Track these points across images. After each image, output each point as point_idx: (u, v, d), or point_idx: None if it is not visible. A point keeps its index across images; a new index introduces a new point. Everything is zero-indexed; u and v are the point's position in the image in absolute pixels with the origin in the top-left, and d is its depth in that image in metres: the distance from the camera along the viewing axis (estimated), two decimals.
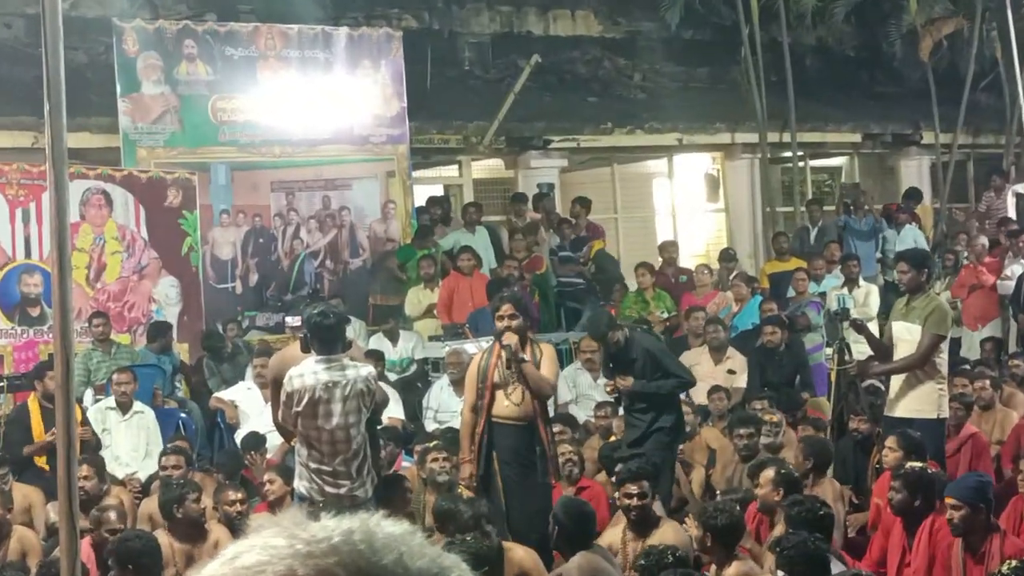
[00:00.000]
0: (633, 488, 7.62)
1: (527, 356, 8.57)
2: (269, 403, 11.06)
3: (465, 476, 8.59)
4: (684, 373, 9.80)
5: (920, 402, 9.34)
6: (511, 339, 8.53)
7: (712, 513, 6.99)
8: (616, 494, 7.95)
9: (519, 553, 7.29)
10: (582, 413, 11.69)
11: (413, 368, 13.30)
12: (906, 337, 9.41)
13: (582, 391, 12.34)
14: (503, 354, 8.48)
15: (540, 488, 8.70)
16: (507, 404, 8.52)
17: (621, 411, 10.13)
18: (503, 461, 8.50)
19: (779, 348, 12.64)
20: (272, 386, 9.65)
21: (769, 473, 8.11)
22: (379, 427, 8.70)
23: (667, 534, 7.43)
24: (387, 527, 1.46)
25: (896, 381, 9.51)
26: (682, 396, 10.15)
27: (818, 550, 6.28)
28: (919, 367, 9.28)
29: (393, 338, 13.42)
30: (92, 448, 9.87)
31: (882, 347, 9.66)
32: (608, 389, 9.86)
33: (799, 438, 9.83)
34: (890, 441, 8.78)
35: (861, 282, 14.12)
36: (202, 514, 8.09)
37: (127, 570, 6.93)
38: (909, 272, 9.54)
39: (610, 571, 6.76)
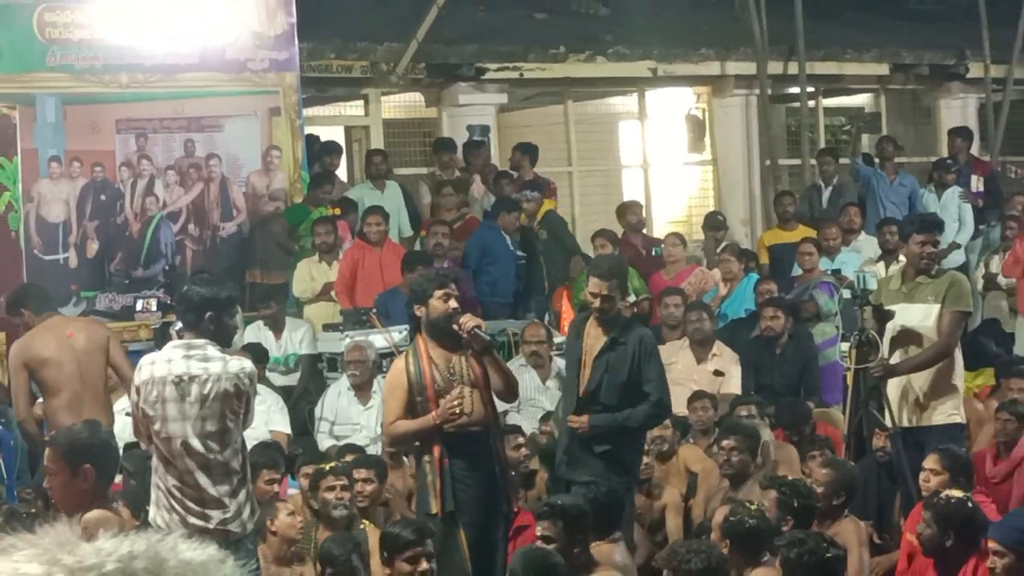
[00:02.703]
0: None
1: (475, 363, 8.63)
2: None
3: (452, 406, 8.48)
4: (665, 394, 9.63)
5: (945, 405, 9.45)
6: (473, 320, 8.56)
7: (685, 556, 7.03)
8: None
9: None
10: (526, 423, 11.69)
11: (299, 368, 13.27)
12: (915, 324, 9.51)
13: (526, 395, 12.31)
14: (472, 345, 8.52)
15: (503, 518, 8.78)
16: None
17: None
18: (460, 485, 8.51)
19: (780, 339, 12.70)
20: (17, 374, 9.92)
21: (772, 494, 8.21)
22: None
23: None
24: (184, 551, 1.44)
25: (907, 382, 9.58)
26: None
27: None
28: (948, 355, 9.39)
29: (277, 328, 13.38)
30: None
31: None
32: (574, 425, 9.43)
33: (823, 461, 9.87)
34: (930, 461, 8.85)
35: (902, 256, 14.11)
36: None
37: None
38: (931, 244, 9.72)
39: None
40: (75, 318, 11.30)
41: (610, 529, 8.34)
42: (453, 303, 8.58)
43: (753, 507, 7.84)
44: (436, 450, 8.50)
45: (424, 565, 7.46)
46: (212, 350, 7.85)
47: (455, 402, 8.43)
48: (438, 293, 8.58)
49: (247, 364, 8.15)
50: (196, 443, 7.75)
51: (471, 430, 8.59)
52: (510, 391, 8.89)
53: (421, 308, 8.63)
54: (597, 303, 9.17)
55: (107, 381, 10.64)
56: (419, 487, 8.75)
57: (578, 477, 9.06)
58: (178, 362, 7.75)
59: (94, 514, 6.00)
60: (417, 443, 8.69)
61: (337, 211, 14.90)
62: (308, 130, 15.77)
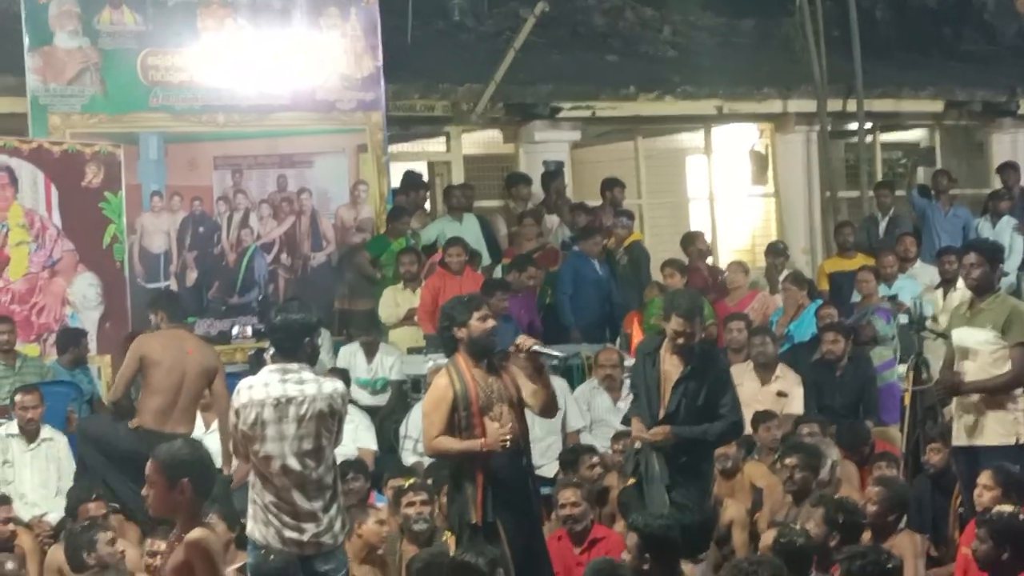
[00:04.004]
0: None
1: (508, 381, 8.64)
2: (209, 428, 11.19)
3: (500, 436, 8.38)
4: (740, 417, 9.62)
5: (998, 425, 9.37)
6: (530, 340, 8.59)
7: (748, 569, 7.00)
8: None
9: None
10: (598, 443, 11.70)
11: (388, 391, 13.30)
12: (975, 347, 9.44)
13: (598, 415, 12.36)
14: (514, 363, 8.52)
15: (539, 532, 8.78)
16: (496, 427, 8.53)
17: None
18: (500, 499, 8.49)
19: (840, 362, 12.65)
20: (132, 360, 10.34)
21: (819, 511, 8.20)
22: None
23: None
24: None
25: (966, 403, 9.52)
26: None
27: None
28: (1020, 385, 9.31)
29: (371, 352, 13.44)
30: None
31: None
32: (637, 434, 9.36)
33: (875, 479, 9.83)
34: (984, 477, 8.79)
35: (959, 284, 13.97)
36: (121, 558, 8.12)
37: None
38: (981, 266, 9.57)
39: None
40: (199, 338, 11.41)
41: (699, 550, 8.31)
42: (491, 322, 8.59)
43: (798, 527, 7.84)
44: (478, 465, 8.43)
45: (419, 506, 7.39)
46: (307, 373, 7.94)
47: (506, 435, 8.36)
48: (476, 315, 8.53)
49: (339, 385, 8.21)
50: (293, 462, 7.81)
51: (510, 447, 8.50)
52: (552, 408, 8.85)
53: (462, 330, 8.53)
54: (681, 340, 9.17)
55: (200, 400, 10.75)
56: (452, 500, 8.61)
57: (658, 494, 9.02)
58: (275, 385, 7.83)
59: (196, 533, 6.04)
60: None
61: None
62: (394, 166, 15.83)
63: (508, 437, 8.34)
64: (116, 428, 10.70)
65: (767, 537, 8.02)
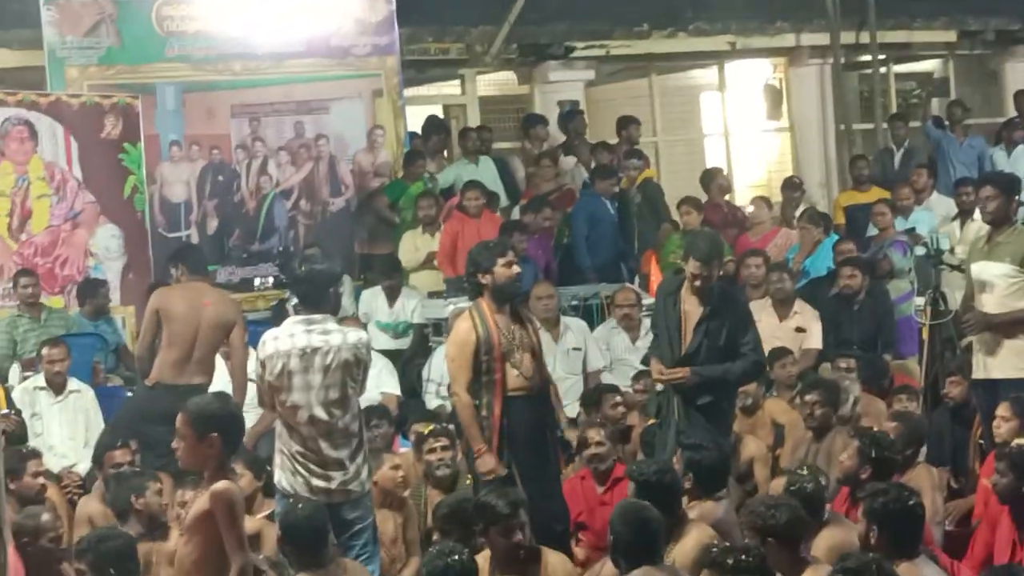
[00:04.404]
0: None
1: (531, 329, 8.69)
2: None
3: (490, 468, 8.39)
4: (761, 355, 9.58)
5: (1017, 359, 9.35)
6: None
7: (767, 512, 7.00)
8: None
9: (552, 559, 7.32)
10: (618, 382, 11.68)
11: (410, 334, 13.30)
12: (992, 280, 9.40)
13: (617, 355, 12.33)
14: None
15: (556, 476, 8.80)
16: (517, 375, 8.52)
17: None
18: (517, 443, 8.50)
19: (858, 296, 12.61)
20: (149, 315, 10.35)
21: (855, 444, 8.19)
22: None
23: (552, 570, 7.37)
24: None
25: (986, 336, 9.50)
26: None
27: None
28: None
29: (392, 296, 13.43)
30: (15, 439, 9.93)
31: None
32: (658, 375, 9.31)
33: (891, 414, 9.81)
34: (1003, 408, 8.80)
35: (976, 215, 13.89)
36: (164, 509, 8.17)
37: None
38: (997, 198, 9.53)
39: None
40: (219, 291, 11.32)
41: (716, 488, 8.30)
42: (516, 268, 8.58)
43: (806, 472, 7.81)
44: (497, 409, 8.46)
45: (518, 536, 7.37)
46: (331, 323, 7.99)
47: (493, 472, 8.36)
48: (501, 261, 8.53)
49: (363, 335, 8.26)
50: (320, 411, 7.85)
51: (528, 394, 8.57)
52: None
53: (486, 276, 8.53)
54: (699, 283, 9.12)
55: (217, 351, 10.76)
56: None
57: (670, 440, 9.01)
58: (300, 336, 7.87)
59: (221, 484, 6.08)
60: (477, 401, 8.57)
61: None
62: (409, 110, 15.78)
63: (490, 479, 8.33)
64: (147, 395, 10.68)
65: (776, 485, 8.00)
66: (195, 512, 6.16)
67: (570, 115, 16.59)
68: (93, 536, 7.47)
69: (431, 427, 9.48)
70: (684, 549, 7.33)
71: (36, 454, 9.14)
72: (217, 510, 6.02)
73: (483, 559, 7.26)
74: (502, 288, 8.55)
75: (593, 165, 15.52)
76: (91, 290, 12.52)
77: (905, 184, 15.13)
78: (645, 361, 10.33)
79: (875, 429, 8.79)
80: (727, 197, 16.11)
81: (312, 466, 7.89)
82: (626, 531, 6.95)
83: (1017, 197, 9.86)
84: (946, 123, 17.50)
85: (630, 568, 6.89)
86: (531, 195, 15.10)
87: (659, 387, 9.24)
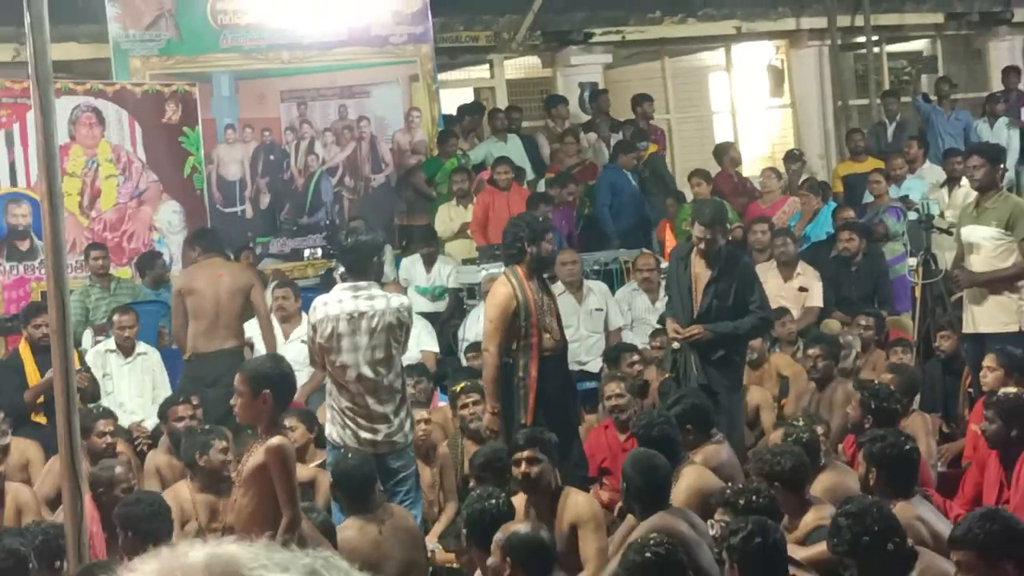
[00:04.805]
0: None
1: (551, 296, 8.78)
2: (290, 339, 11.25)
3: (495, 428, 8.45)
4: (768, 312, 9.57)
5: (1001, 314, 9.34)
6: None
7: (773, 459, 7.00)
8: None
9: (579, 498, 7.33)
10: (638, 340, 11.68)
11: (446, 298, 13.30)
12: (980, 242, 9.38)
13: (638, 315, 12.32)
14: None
15: (576, 428, 8.84)
16: (548, 337, 8.54)
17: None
18: (546, 400, 8.49)
19: (856, 258, 12.59)
20: (175, 297, 10.63)
21: (857, 395, 8.19)
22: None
23: (576, 507, 7.27)
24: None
25: (972, 294, 9.51)
26: None
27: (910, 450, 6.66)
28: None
29: (430, 262, 13.42)
30: (89, 397, 9.98)
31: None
32: (674, 334, 9.25)
33: (888, 366, 9.80)
34: (988, 359, 8.80)
35: (963, 182, 13.84)
36: (227, 465, 8.20)
37: (131, 535, 6.98)
38: (983, 166, 9.52)
39: (690, 535, 6.58)
40: (231, 263, 11.53)
41: (705, 431, 8.28)
42: (553, 247, 8.78)
43: (800, 423, 7.79)
44: (533, 371, 8.43)
45: (524, 468, 7.28)
46: (376, 289, 8.01)
47: (495, 434, 8.41)
48: (548, 236, 8.61)
49: (405, 299, 8.31)
50: (367, 370, 7.88)
51: (555, 355, 8.59)
52: None
53: (533, 246, 8.51)
54: (703, 245, 9.11)
55: (242, 316, 10.92)
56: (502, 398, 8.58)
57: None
58: (348, 301, 7.90)
59: (276, 440, 6.10)
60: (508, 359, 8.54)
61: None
62: (442, 93, 15.77)
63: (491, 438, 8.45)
64: (188, 367, 10.84)
65: (775, 436, 7.98)
66: (251, 465, 6.17)
67: (594, 95, 16.56)
68: (127, 499, 7.42)
69: (463, 384, 9.49)
70: (677, 490, 7.33)
71: (107, 414, 9.17)
72: (271, 464, 6.03)
73: (519, 500, 7.26)
74: (543, 260, 8.62)
75: (614, 141, 15.51)
76: (149, 262, 12.57)
77: (898, 155, 15.11)
78: (661, 321, 10.31)
79: (885, 384, 8.76)
80: (737, 169, 16.06)
81: (360, 420, 7.92)
82: (637, 477, 6.94)
83: (1001, 164, 9.83)
84: (933, 98, 17.45)
85: (644, 512, 6.88)
86: (556, 170, 15.08)
87: (675, 344, 9.20)
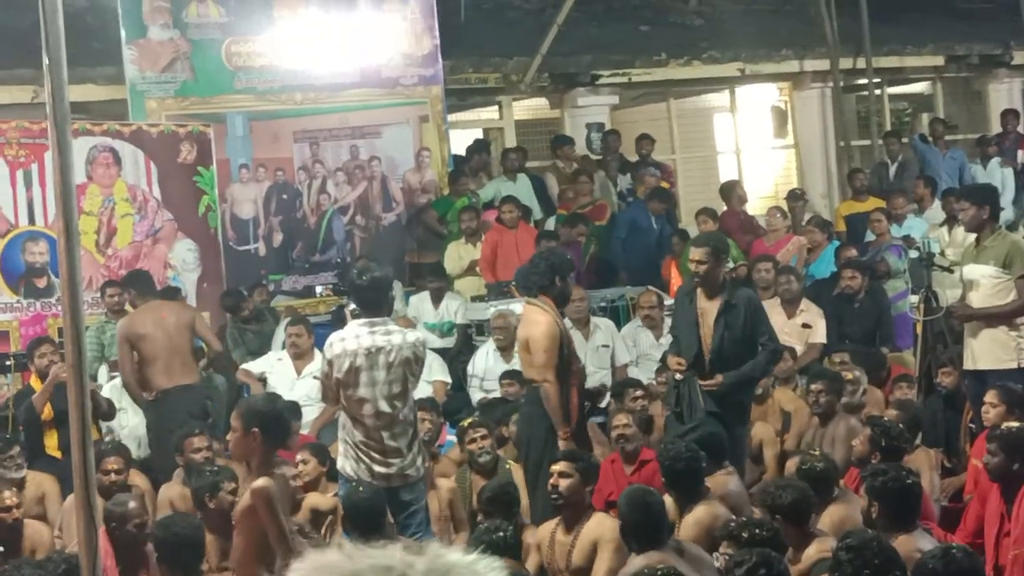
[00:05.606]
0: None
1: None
2: (302, 375, 11.26)
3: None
4: (777, 343, 9.53)
5: (1000, 351, 9.35)
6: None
7: (775, 492, 6.98)
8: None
9: (605, 520, 7.43)
10: (643, 376, 11.68)
11: (454, 334, 13.30)
12: (980, 280, 9.41)
13: (643, 351, 12.33)
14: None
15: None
16: (580, 365, 8.94)
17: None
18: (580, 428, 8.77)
19: (859, 295, 12.58)
20: (121, 345, 10.54)
21: (867, 431, 8.18)
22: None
23: (600, 526, 7.42)
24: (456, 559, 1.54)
25: (972, 330, 9.52)
26: None
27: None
28: (1020, 315, 9.29)
29: (437, 299, 13.43)
30: (104, 414, 10.07)
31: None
32: (676, 365, 9.22)
33: (893, 402, 9.78)
34: (990, 396, 8.79)
35: None
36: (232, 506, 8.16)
37: (169, 559, 7.00)
38: (970, 209, 9.57)
39: (686, 572, 6.53)
40: (169, 302, 11.47)
41: (718, 462, 8.28)
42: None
43: (817, 453, 7.81)
44: (575, 398, 8.69)
45: (553, 480, 7.58)
46: (391, 324, 8.03)
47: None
48: (572, 274, 8.76)
49: (419, 334, 8.36)
50: (384, 404, 7.89)
51: (582, 381, 9.01)
52: None
53: (563, 281, 8.76)
54: (695, 267, 9.13)
55: (192, 350, 10.95)
56: (534, 418, 8.78)
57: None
58: (365, 337, 7.91)
59: (260, 481, 6.06)
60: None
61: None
62: (452, 133, 15.81)
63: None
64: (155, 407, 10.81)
65: (791, 464, 7.99)
66: (240, 507, 6.16)
67: (606, 135, 16.64)
68: (164, 520, 7.45)
69: (471, 420, 9.53)
70: (686, 524, 7.34)
71: (117, 450, 9.17)
72: (257, 505, 6.00)
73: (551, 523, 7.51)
74: (567, 296, 8.94)
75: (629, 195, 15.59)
76: (171, 297, 12.54)
77: (899, 194, 15.13)
78: (663, 360, 10.35)
79: (877, 415, 8.76)
80: (743, 207, 16.07)
81: (374, 454, 7.93)
82: (631, 514, 6.93)
83: (990, 205, 9.82)
84: (929, 138, 17.52)
85: (639, 549, 6.85)
86: (567, 207, 15.13)
87: (677, 375, 9.18)
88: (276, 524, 5.99)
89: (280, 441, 6.35)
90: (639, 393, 10.54)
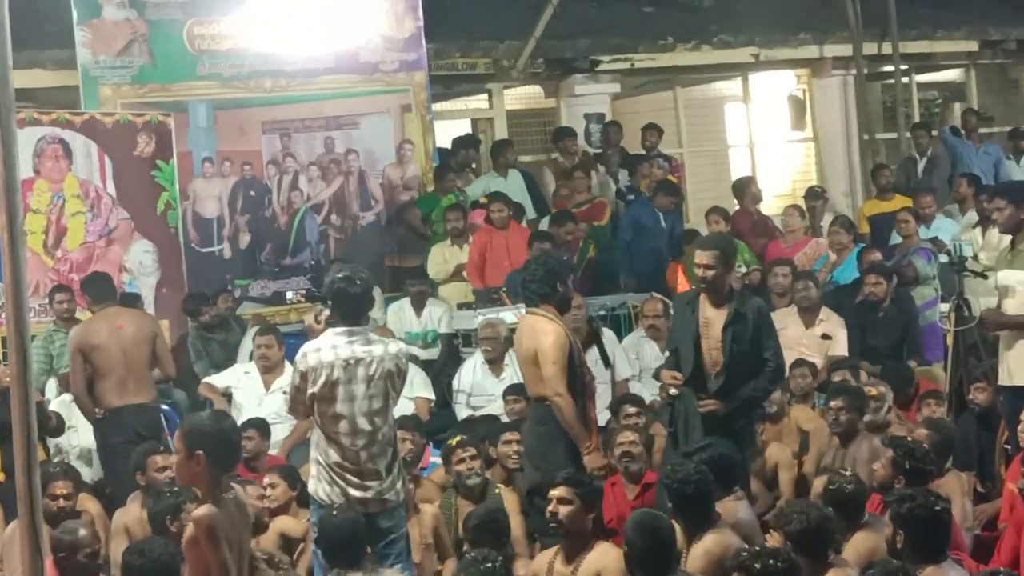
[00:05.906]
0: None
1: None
2: (271, 390, 11.24)
3: (601, 464, 8.74)
4: (782, 360, 9.42)
5: None
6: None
7: (790, 516, 6.98)
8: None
9: (609, 550, 7.46)
10: (646, 391, 11.67)
11: (438, 344, 13.28)
12: (1015, 286, 9.40)
13: (647, 364, 12.31)
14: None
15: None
16: (590, 378, 8.88)
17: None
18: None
19: (883, 303, 12.57)
20: (73, 356, 10.44)
21: (888, 453, 8.16)
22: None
23: (603, 557, 7.47)
24: None
25: (1008, 342, 9.50)
26: None
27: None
28: None
29: (419, 306, 13.41)
30: (52, 431, 10.06)
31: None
32: (671, 380, 9.11)
33: (924, 421, 9.75)
34: None
35: None
36: None
37: None
38: (1006, 209, 9.56)
39: None
40: (129, 310, 11.39)
41: (728, 486, 8.27)
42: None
43: (848, 473, 7.81)
44: (592, 411, 8.84)
45: (552, 507, 7.62)
46: (372, 335, 8.03)
47: (605, 467, 8.91)
48: (571, 276, 8.81)
49: (402, 345, 8.32)
50: (363, 421, 7.87)
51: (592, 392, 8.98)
52: None
53: (565, 287, 8.86)
54: (701, 272, 9.06)
55: (151, 366, 10.87)
56: (549, 437, 8.78)
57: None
58: (343, 347, 7.88)
59: (201, 510, 6.02)
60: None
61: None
62: (437, 124, 15.81)
63: (603, 473, 8.84)
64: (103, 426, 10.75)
65: (818, 484, 7.98)
66: (185, 536, 6.13)
67: (607, 126, 16.65)
68: (137, 546, 7.42)
69: (458, 438, 9.50)
70: (695, 554, 7.34)
71: (65, 473, 9.13)
72: (198, 535, 5.96)
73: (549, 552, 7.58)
74: (569, 301, 9.02)
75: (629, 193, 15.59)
76: (131, 304, 12.54)
77: (928, 192, 15.12)
78: (656, 375, 10.34)
79: (920, 443, 8.71)
80: (757, 206, 16.08)
81: (350, 476, 7.89)
82: (639, 540, 6.95)
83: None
84: (961, 131, 17.50)
85: None
86: (563, 205, 15.12)
87: (673, 391, 9.14)
88: (218, 557, 5.92)
89: (228, 465, 6.25)
90: (632, 410, 10.52)
